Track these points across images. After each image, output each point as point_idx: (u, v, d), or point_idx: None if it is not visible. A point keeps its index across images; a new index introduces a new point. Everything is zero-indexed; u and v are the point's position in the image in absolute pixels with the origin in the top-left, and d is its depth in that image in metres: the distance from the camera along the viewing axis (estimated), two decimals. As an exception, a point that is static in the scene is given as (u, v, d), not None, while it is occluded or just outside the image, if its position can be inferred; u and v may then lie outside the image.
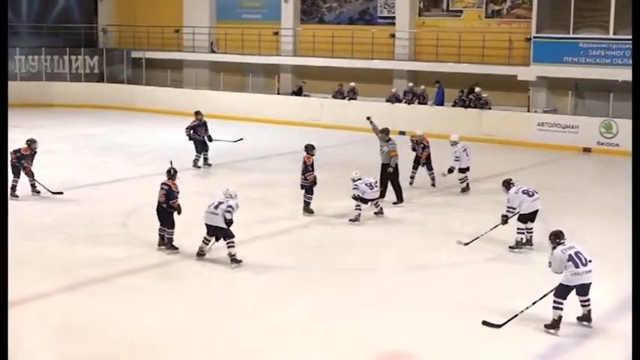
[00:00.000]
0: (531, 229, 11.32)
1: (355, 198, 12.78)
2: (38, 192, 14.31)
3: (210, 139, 17.43)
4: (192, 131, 17.35)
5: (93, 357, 7.74)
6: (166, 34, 29.02)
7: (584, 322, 8.52)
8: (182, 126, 24.46)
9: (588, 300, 8.44)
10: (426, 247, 11.78)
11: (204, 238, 10.65)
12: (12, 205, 12.75)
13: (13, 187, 13.99)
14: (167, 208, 10.85)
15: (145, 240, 11.60)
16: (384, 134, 14.22)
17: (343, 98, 24.50)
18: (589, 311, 8.49)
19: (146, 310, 9.02)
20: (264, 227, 12.52)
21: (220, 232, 10.52)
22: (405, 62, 25.04)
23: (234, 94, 26.45)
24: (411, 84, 23.96)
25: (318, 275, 10.38)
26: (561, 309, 8.29)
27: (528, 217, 11.16)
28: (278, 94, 26.48)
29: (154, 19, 29.49)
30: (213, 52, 28.76)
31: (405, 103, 23.46)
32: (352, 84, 24.50)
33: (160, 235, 11.05)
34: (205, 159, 17.40)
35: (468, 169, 15.15)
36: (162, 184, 10.93)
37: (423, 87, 23.58)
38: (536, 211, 11.18)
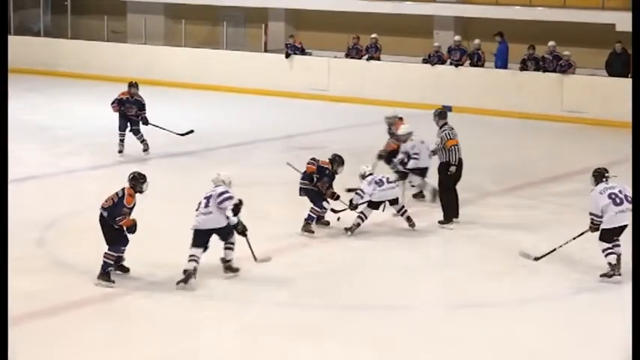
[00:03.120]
0: (618, 244, 11.43)
1: (352, 207, 13.16)
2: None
3: (146, 122, 18.18)
4: (120, 106, 18.20)
5: None
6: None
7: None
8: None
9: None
10: (478, 274, 11.79)
11: (192, 256, 10.92)
12: None
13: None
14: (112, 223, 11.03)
15: (71, 264, 11.73)
16: (440, 116, 14.21)
17: (360, 57, 24.73)
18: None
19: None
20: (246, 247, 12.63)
21: (222, 232, 11.01)
22: (452, 5, 25.17)
23: (201, 52, 26.81)
24: (458, 37, 24.17)
25: (322, 316, 10.41)
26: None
27: (613, 233, 11.32)
28: (265, 51, 26.76)
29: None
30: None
31: (452, 64, 23.67)
32: (374, 36, 24.68)
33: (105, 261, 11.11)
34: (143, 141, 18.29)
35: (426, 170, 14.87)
36: (121, 189, 11.08)
37: (477, 41, 23.82)
38: (623, 227, 11.25)
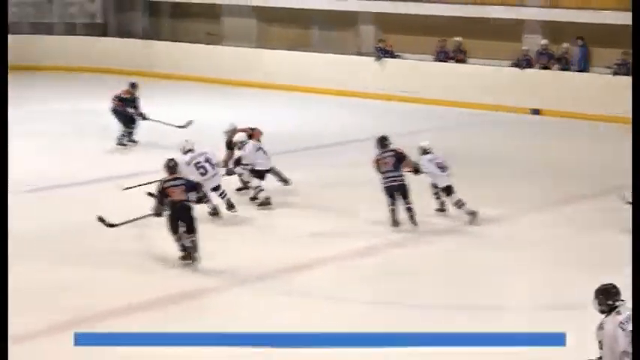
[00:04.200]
0: None
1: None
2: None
3: (144, 117, 19.32)
4: (123, 105, 19.32)
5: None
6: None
7: None
8: (219, 98, 24.50)
9: None
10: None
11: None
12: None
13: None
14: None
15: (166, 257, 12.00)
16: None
17: (447, 60, 24.42)
18: None
19: None
20: (335, 246, 12.68)
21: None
22: (540, 10, 24.48)
23: (291, 54, 26.53)
24: (545, 41, 23.67)
25: (417, 315, 10.13)
26: None
27: None
28: (358, 54, 26.37)
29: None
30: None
31: (540, 68, 23.24)
32: (458, 39, 24.34)
33: (185, 245, 11.73)
34: (130, 133, 19.47)
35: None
36: (173, 179, 11.87)
37: (565, 45, 23.25)
38: None
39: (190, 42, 28.25)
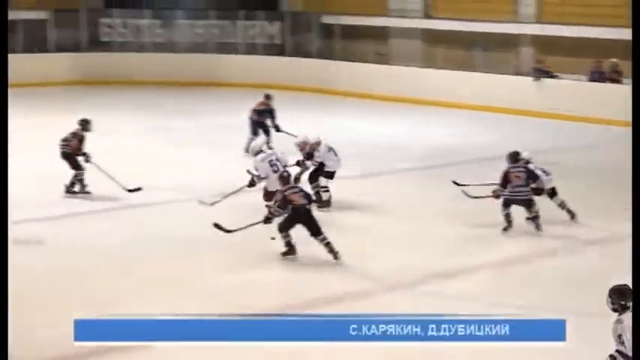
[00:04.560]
0: None
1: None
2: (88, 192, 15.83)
3: (278, 129, 19.61)
4: (259, 116, 19.88)
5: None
6: (368, -7, 29.89)
7: None
8: (388, 114, 25.21)
9: None
10: None
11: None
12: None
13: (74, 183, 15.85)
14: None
15: (335, 262, 12.32)
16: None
17: (602, 80, 24.45)
18: None
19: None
20: (485, 253, 13.01)
21: None
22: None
23: (455, 74, 27.01)
24: None
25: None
26: None
27: None
28: (517, 74, 26.68)
29: (352, -27, 30.32)
30: (428, 17, 29.31)
31: None
32: (614, 60, 24.33)
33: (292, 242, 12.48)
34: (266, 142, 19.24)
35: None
36: (291, 187, 12.59)
37: None
38: None
39: (360, 61, 28.92)
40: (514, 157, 14.17)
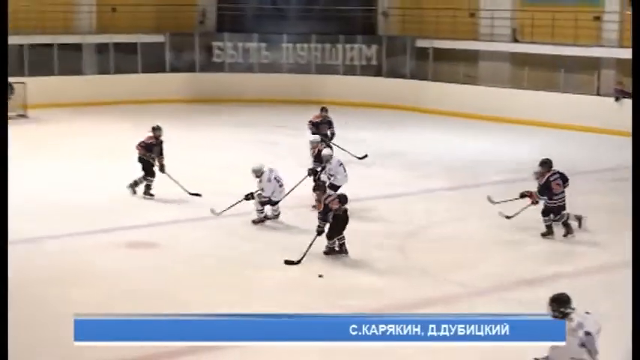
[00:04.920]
0: None
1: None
2: (152, 195, 16.44)
3: (328, 141, 19.51)
4: (315, 127, 19.88)
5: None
6: (459, 19, 30.05)
7: None
8: (476, 131, 25.31)
9: None
10: None
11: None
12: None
13: (148, 187, 16.51)
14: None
15: (424, 269, 12.65)
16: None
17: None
18: None
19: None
20: (564, 262, 13.15)
21: None
22: None
23: (541, 94, 27.17)
24: None
25: None
26: None
27: None
28: (598, 94, 26.76)
29: (444, 1, 30.46)
30: (516, 41, 29.52)
31: None
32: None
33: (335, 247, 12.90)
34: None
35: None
36: (328, 195, 12.89)
37: None
38: None
39: (450, 82, 29.21)
40: (550, 164, 14.27)
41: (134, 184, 16.63)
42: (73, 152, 20.36)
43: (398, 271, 12.53)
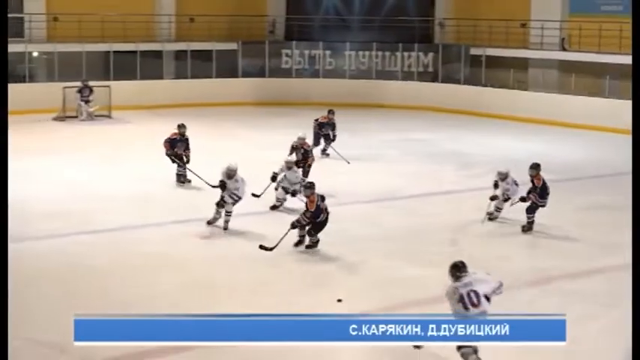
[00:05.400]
0: None
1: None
2: (183, 182, 17.02)
3: (333, 139, 20.34)
4: (320, 127, 20.51)
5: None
6: (511, 28, 30.02)
7: None
8: (526, 134, 25.30)
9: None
10: None
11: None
12: (339, 211, 14.80)
13: (180, 175, 17.12)
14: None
15: (472, 261, 12.72)
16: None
17: None
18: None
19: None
20: (608, 257, 13.06)
21: None
22: None
23: (587, 99, 27.10)
24: None
25: None
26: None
27: None
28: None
29: (497, 11, 30.53)
30: (564, 49, 29.43)
31: None
32: None
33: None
34: (323, 150, 20.51)
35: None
36: (321, 196, 12.82)
37: None
38: None
39: (501, 87, 29.28)
40: (540, 167, 14.32)
41: (179, 178, 17.22)
42: (152, 150, 20.70)
43: (447, 264, 12.53)
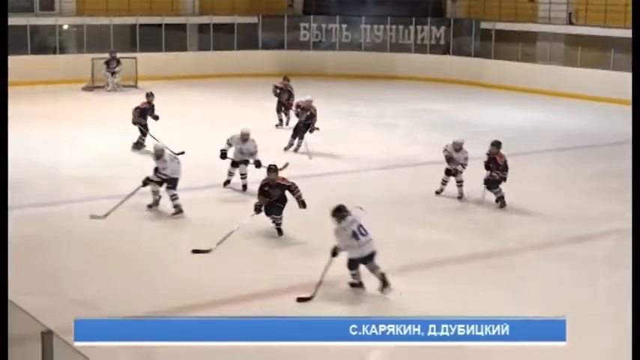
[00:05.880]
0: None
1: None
2: (139, 149, 16.98)
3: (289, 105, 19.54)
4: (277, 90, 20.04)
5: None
6: (520, 3, 29.85)
7: (385, 289, 9.54)
8: (533, 105, 25.24)
9: (377, 266, 9.60)
10: None
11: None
12: (357, 178, 14.75)
13: (139, 143, 17.06)
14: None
15: (484, 228, 12.78)
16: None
17: None
18: (382, 274, 9.54)
19: (476, 303, 9.35)
20: (610, 222, 12.91)
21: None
22: None
23: (592, 72, 26.87)
24: None
25: None
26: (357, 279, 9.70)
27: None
28: (644, 72, 26.25)
29: (508, -14, 30.32)
30: (571, 24, 29.13)
31: None
32: None
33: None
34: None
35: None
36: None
37: None
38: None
39: (510, 60, 29.02)
40: (500, 144, 13.74)
41: (136, 145, 17.16)
42: (176, 118, 20.75)
43: (459, 228, 12.63)
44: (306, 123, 17.36)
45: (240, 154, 14.22)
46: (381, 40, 31.71)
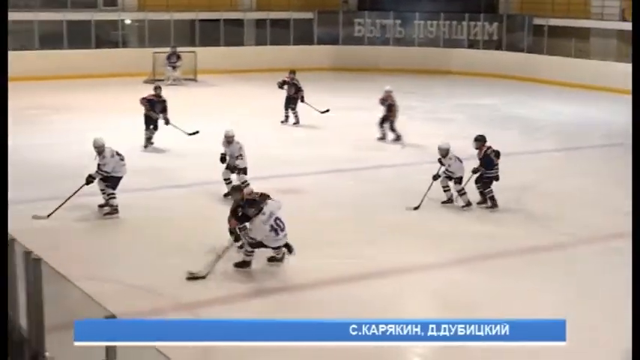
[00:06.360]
0: None
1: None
2: (147, 146, 16.58)
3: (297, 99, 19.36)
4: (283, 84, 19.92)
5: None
6: (573, -1, 29.43)
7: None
8: (586, 101, 24.87)
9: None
10: None
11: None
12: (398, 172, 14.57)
13: (149, 139, 16.66)
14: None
15: (534, 219, 12.52)
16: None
17: None
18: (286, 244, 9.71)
19: (517, 296, 9.39)
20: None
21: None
22: None
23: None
24: None
25: None
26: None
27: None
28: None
29: (560, -17, 29.88)
30: (624, 20, 28.56)
31: None
32: None
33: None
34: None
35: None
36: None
37: None
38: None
39: (563, 56, 28.54)
40: (484, 139, 13.05)
41: (149, 141, 16.74)
42: (233, 110, 20.77)
43: (511, 221, 12.47)
44: (386, 115, 17.38)
45: (228, 157, 13.16)
46: (434, 36, 31.47)
